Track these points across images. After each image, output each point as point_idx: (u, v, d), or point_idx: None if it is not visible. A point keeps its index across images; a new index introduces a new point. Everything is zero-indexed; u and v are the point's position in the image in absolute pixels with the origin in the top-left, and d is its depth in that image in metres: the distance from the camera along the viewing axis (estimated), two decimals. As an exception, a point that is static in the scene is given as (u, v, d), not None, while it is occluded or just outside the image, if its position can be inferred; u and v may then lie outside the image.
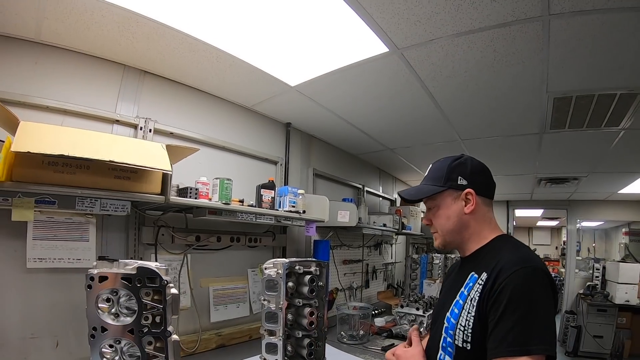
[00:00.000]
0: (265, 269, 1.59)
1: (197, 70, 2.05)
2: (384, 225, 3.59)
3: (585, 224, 7.67)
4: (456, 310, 1.03)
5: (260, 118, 2.71)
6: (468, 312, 0.99)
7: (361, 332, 2.65)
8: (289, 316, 1.55)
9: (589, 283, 6.12)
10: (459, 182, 1.13)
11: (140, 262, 1.11)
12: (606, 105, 2.32)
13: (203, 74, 2.10)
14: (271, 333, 1.53)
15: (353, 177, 3.89)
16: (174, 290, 1.12)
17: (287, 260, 1.58)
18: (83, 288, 1.63)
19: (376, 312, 3.42)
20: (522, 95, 2.27)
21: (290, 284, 1.56)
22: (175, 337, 1.11)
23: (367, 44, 1.75)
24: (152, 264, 1.10)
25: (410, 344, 1.18)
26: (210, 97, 2.36)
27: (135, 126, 1.91)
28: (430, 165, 1.24)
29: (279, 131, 2.89)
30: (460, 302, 1.04)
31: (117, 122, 1.86)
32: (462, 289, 1.06)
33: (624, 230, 7.31)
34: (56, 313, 1.60)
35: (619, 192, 5.30)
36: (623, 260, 6.20)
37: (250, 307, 2.45)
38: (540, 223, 11.67)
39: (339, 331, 2.70)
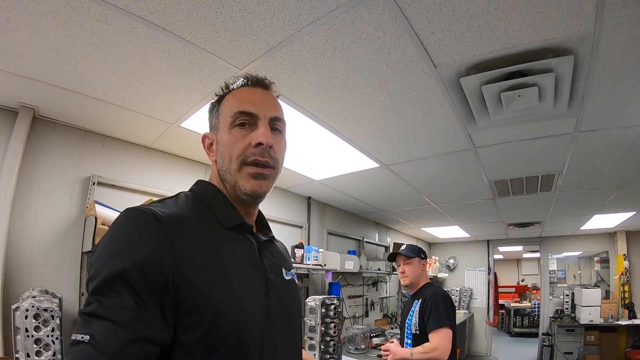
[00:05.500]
0: (308, 301, 2.75)
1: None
2: (379, 269, 4.72)
3: (566, 253, 8.07)
4: (410, 317, 2.27)
5: (290, 195, 3.87)
6: (415, 317, 2.23)
7: (362, 346, 3.76)
8: (322, 328, 2.69)
9: (557, 307, 6.98)
10: (421, 256, 2.40)
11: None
12: (534, 182, 3.26)
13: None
14: (312, 338, 2.67)
15: (355, 231, 5.02)
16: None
17: (321, 297, 2.74)
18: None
19: (374, 334, 4.46)
20: (472, 181, 3.33)
21: (322, 309, 2.71)
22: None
23: (366, 162, 2.83)
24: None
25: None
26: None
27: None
28: (405, 245, 2.48)
29: (302, 203, 4.04)
30: (412, 313, 2.28)
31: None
32: (412, 308, 2.30)
33: (596, 258, 7.88)
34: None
35: (581, 228, 6.09)
36: (596, 286, 6.85)
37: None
38: (525, 255, 12.12)
39: (347, 346, 3.79)
